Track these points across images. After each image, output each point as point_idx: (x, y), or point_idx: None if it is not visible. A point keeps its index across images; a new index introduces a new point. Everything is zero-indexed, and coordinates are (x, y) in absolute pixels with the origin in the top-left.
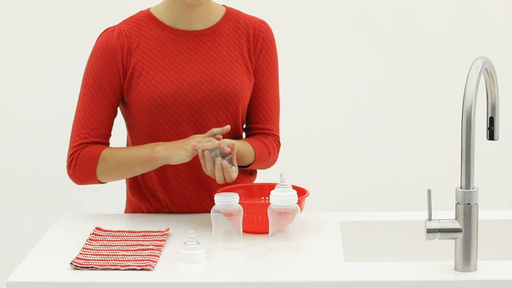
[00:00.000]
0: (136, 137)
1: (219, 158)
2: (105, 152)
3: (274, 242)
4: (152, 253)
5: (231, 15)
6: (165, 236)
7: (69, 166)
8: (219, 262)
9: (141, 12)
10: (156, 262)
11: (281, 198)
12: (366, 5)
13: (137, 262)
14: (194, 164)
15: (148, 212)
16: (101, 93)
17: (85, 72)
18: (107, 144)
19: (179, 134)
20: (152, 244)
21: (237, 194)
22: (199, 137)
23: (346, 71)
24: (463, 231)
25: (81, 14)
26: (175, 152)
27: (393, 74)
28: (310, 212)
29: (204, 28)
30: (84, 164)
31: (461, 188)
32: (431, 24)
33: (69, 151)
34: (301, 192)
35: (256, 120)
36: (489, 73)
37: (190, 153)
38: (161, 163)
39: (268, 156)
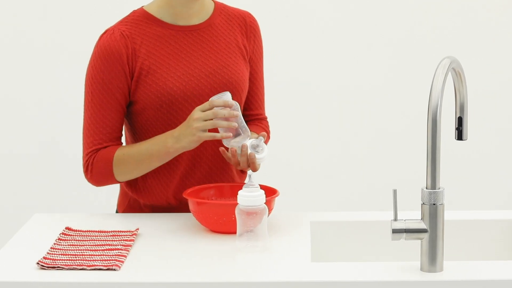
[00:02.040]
0: (141, 135)
1: (246, 145)
2: (118, 154)
3: (242, 242)
4: (119, 253)
5: (220, 8)
6: (134, 236)
7: (85, 172)
8: (186, 262)
9: (135, 11)
10: (122, 262)
11: (248, 198)
12: (360, 6)
13: (103, 262)
14: (198, 155)
15: (145, 205)
16: (110, 97)
17: (88, 77)
18: (119, 144)
19: None
20: (120, 244)
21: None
22: (197, 112)
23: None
24: (429, 231)
25: (77, 12)
26: (189, 140)
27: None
28: (281, 212)
29: (201, 22)
30: (100, 169)
31: (426, 188)
32: (403, 25)
33: (83, 157)
34: (271, 192)
35: (250, 107)
36: (457, 73)
37: (201, 139)
38: (178, 153)
39: (269, 139)
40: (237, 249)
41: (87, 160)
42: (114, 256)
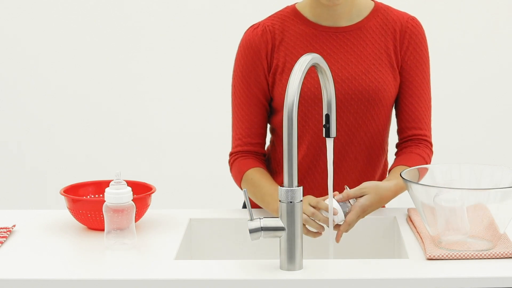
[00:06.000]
0: (276, 133)
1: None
2: (248, 174)
3: (110, 240)
4: None
5: (379, 10)
6: (8, 232)
7: (229, 166)
8: (53, 259)
9: (287, 7)
10: None
11: (115, 195)
12: None
13: None
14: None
15: None
16: (249, 92)
17: (233, 71)
18: (260, 144)
19: (317, 132)
20: None
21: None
22: (306, 204)
23: None
24: (286, 229)
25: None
26: None
27: None
28: (160, 210)
29: (349, 25)
30: (235, 173)
31: (283, 186)
32: None
33: (231, 150)
34: (147, 189)
35: (407, 120)
36: (322, 70)
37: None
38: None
39: (424, 163)
40: (105, 246)
41: (230, 159)
42: None
